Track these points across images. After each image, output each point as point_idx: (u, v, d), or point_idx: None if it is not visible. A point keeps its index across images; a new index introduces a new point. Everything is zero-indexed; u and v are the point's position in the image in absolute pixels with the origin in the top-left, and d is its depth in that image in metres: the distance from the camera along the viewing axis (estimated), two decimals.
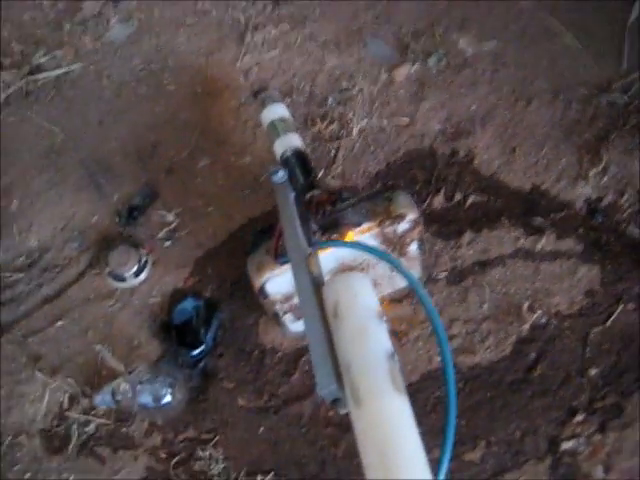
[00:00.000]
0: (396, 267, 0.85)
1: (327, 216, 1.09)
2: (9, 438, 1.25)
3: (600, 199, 1.25)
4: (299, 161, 1.18)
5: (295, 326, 1.18)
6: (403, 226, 1.08)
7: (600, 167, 1.27)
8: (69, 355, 1.30)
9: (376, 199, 1.10)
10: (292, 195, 1.01)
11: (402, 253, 1.11)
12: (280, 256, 1.02)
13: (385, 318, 0.86)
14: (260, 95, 1.33)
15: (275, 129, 1.25)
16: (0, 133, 1.53)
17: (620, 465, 1.07)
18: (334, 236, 1.04)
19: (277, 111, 1.28)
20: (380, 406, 0.68)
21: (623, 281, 1.19)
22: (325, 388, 0.70)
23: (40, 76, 1.57)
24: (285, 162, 1.20)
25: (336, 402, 0.72)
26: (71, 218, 1.42)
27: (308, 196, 1.11)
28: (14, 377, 1.29)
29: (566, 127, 1.32)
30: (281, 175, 1.01)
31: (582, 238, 1.23)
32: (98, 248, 1.37)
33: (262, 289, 1.08)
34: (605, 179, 1.26)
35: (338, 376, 0.74)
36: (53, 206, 1.44)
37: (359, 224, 1.06)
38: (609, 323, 1.16)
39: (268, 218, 1.32)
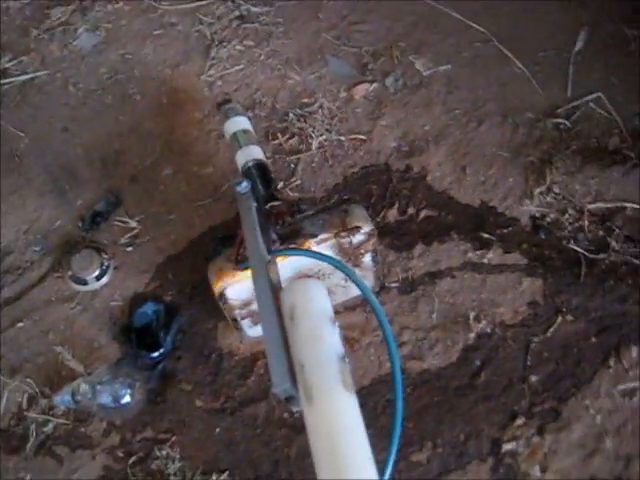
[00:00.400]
0: (349, 275, 0.91)
1: (286, 226, 1.14)
2: None
3: (544, 216, 1.33)
4: (260, 172, 1.24)
5: (252, 331, 1.23)
6: (358, 238, 1.14)
7: (544, 187, 1.35)
8: (29, 356, 1.32)
9: (333, 211, 1.16)
10: (254, 205, 1.06)
11: (356, 264, 1.17)
12: (241, 262, 1.06)
13: (337, 323, 0.92)
14: (223, 107, 1.37)
15: (237, 140, 1.29)
16: None
17: (556, 465, 1.14)
18: (292, 246, 1.10)
19: (240, 123, 1.32)
20: (330, 403, 0.74)
21: (563, 294, 1.26)
22: (280, 386, 0.76)
23: (5, 81, 1.60)
24: (246, 173, 1.25)
25: (290, 400, 0.78)
26: (34, 222, 1.44)
27: (268, 206, 1.17)
28: None
29: (513, 148, 1.40)
30: (244, 185, 1.06)
31: (526, 253, 1.30)
32: (60, 252, 1.40)
33: (222, 295, 1.13)
34: (548, 198, 1.34)
35: (292, 375, 0.79)
36: (16, 210, 1.46)
37: (316, 235, 1.12)
38: (549, 333, 1.23)
39: (228, 227, 1.37)
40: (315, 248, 1.10)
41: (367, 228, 1.13)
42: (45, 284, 1.38)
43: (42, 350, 1.32)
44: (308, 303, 0.84)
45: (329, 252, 1.11)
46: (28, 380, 1.29)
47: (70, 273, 1.36)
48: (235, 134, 1.31)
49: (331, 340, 0.81)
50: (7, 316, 1.36)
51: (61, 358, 1.29)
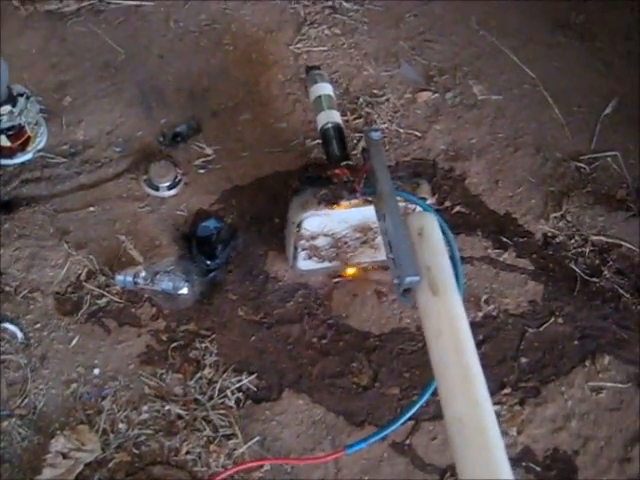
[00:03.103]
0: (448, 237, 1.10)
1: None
2: (25, 291, 1.39)
3: (554, 237, 1.57)
4: (337, 134, 1.43)
5: (304, 264, 1.41)
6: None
7: (559, 214, 1.59)
8: (94, 237, 1.46)
9: (405, 180, 1.37)
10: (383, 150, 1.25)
11: None
12: (362, 189, 1.25)
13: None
14: (312, 71, 1.54)
15: (321, 103, 1.47)
16: (66, 37, 1.70)
17: (529, 431, 1.36)
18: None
19: (326, 88, 1.50)
20: (452, 297, 0.95)
21: (558, 301, 1.50)
22: (411, 276, 0.96)
23: (112, 1, 1.76)
24: (324, 133, 1.44)
25: (407, 293, 0.98)
26: (118, 126, 1.60)
27: (343, 164, 1.37)
28: (40, 242, 1.44)
29: (540, 177, 1.64)
30: (378, 134, 1.24)
31: (535, 261, 1.54)
32: (138, 157, 1.56)
33: (300, 223, 1.30)
34: (561, 224, 1.58)
35: None
36: (103, 112, 1.61)
37: None
38: (542, 328, 1.46)
39: (292, 175, 1.55)
40: None
41: (430, 201, 1.35)
42: (119, 181, 1.53)
43: (107, 235, 1.47)
44: (434, 226, 1.03)
45: None
46: (90, 257, 1.43)
47: (145, 177, 1.52)
48: (320, 97, 1.48)
49: (446, 255, 1.02)
50: (80, 199, 1.50)
51: (124, 246, 1.44)
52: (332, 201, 1.28)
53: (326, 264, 1.43)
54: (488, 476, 0.82)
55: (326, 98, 1.49)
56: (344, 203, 1.27)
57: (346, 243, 1.37)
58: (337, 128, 1.44)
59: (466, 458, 0.84)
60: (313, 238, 1.35)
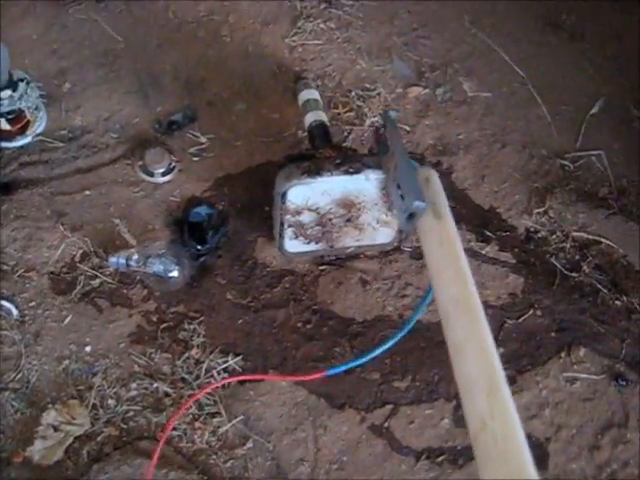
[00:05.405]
0: None
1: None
2: (21, 270, 1.44)
3: (536, 232, 1.61)
4: (322, 130, 1.54)
5: (291, 244, 1.45)
6: None
7: (542, 210, 1.64)
8: (89, 220, 1.51)
9: None
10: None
11: (390, 208, 1.41)
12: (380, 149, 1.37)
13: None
14: (301, 80, 1.71)
15: (309, 105, 1.61)
16: (67, 24, 1.74)
17: None
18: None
19: (312, 94, 1.65)
20: (451, 223, 1.20)
21: (537, 294, 1.54)
22: (418, 201, 1.17)
23: None
24: (311, 130, 1.55)
25: (412, 217, 1.20)
26: (116, 113, 1.64)
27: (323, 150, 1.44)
28: (37, 223, 1.49)
29: (525, 173, 1.69)
30: (395, 113, 1.36)
31: (516, 255, 1.59)
32: (134, 144, 1.60)
33: (285, 194, 1.35)
34: (543, 219, 1.63)
35: None
36: (102, 99, 1.65)
37: (372, 167, 1.36)
38: (520, 320, 1.51)
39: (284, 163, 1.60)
40: (370, 176, 1.35)
41: None
42: (115, 166, 1.57)
43: (102, 218, 1.51)
44: (437, 178, 1.26)
45: (375, 186, 1.36)
46: (85, 239, 1.48)
47: (140, 163, 1.56)
48: (308, 100, 1.63)
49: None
50: (77, 183, 1.55)
51: (117, 229, 1.48)
52: (315, 171, 1.34)
53: (312, 246, 1.47)
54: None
55: (313, 101, 1.64)
56: (326, 174, 1.34)
57: (331, 220, 1.41)
58: (322, 125, 1.56)
59: (455, 324, 1.11)
60: (298, 213, 1.39)
